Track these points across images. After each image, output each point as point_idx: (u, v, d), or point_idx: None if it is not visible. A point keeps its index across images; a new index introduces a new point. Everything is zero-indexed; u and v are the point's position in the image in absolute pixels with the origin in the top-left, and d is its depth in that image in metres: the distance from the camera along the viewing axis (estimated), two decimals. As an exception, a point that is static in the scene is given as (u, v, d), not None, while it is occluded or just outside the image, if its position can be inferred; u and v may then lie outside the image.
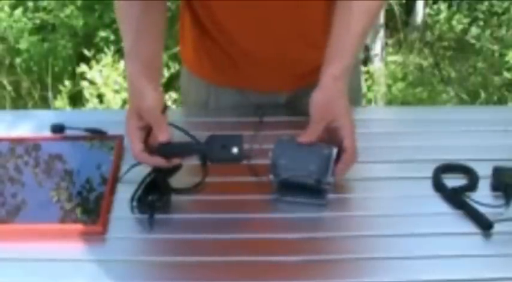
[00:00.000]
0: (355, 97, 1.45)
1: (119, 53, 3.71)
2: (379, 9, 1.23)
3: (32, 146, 1.23)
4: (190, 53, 1.38)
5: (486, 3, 4.21)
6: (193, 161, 1.11)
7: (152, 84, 1.09)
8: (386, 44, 3.96)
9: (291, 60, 1.30)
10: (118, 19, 1.23)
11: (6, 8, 3.87)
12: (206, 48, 1.35)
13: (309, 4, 1.23)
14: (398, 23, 4.03)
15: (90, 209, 1.08)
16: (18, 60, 3.77)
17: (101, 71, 3.46)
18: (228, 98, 1.38)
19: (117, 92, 3.44)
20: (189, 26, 1.34)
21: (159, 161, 1.08)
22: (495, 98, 3.53)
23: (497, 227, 1.05)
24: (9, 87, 3.65)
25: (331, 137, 1.08)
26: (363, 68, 3.55)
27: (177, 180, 1.12)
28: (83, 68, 3.47)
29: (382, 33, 3.81)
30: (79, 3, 3.99)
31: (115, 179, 1.15)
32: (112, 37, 3.88)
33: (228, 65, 1.34)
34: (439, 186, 1.13)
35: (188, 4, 1.31)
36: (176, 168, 1.11)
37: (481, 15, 4.19)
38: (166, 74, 3.39)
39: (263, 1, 1.20)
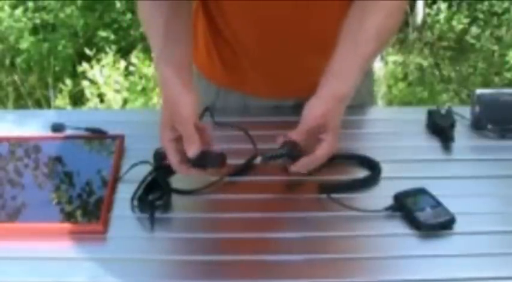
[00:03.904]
0: (368, 100, 1.45)
1: (120, 52, 3.72)
2: (390, 35, 1.21)
3: (32, 147, 1.23)
4: (202, 53, 1.38)
5: (486, 3, 4.21)
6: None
7: (187, 88, 1.07)
8: (386, 43, 3.96)
9: (297, 69, 1.30)
10: (143, 21, 1.21)
11: (7, 8, 3.87)
12: (218, 49, 1.35)
13: (320, 12, 1.23)
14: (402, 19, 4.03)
15: (90, 211, 1.08)
16: (18, 60, 3.78)
17: (101, 70, 3.47)
18: (235, 101, 1.38)
19: (117, 91, 3.45)
20: (203, 26, 1.34)
21: (198, 173, 1.07)
22: (495, 98, 3.52)
23: (497, 227, 1.06)
24: (10, 87, 3.65)
25: (310, 141, 1.07)
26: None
27: (177, 180, 1.12)
28: (84, 66, 3.47)
29: (382, 33, 3.80)
30: (79, 3, 3.99)
31: (116, 179, 1.15)
32: (112, 37, 3.88)
33: (238, 68, 1.34)
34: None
35: (202, 4, 1.31)
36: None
37: (481, 15, 4.19)
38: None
39: (273, 2, 1.20)
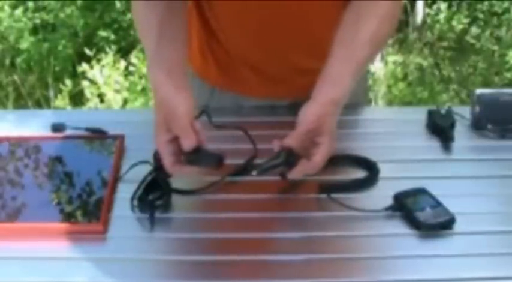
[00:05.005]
0: (362, 99, 1.45)
1: (120, 52, 3.72)
2: (385, 39, 1.22)
3: (32, 147, 1.23)
4: (196, 53, 1.37)
5: (486, 3, 4.22)
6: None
7: (180, 91, 1.06)
8: (386, 44, 3.96)
9: (290, 70, 1.31)
10: (136, 22, 1.20)
11: (7, 8, 3.87)
12: (212, 49, 1.35)
13: (313, 13, 1.23)
14: (398, 23, 4.03)
15: (90, 211, 1.08)
16: (18, 60, 3.78)
17: (101, 70, 3.47)
18: (229, 101, 1.38)
19: (117, 91, 3.45)
20: (197, 26, 1.34)
21: (193, 171, 1.07)
22: (495, 98, 3.52)
23: (497, 227, 1.06)
24: (10, 87, 3.65)
25: (306, 145, 1.07)
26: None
27: (177, 180, 1.12)
28: (83, 67, 3.48)
29: (382, 33, 3.80)
30: (79, 3, 3.99)
31: (116, 179, 1.15)
32: (112, 37, 3.89)
33: (232, 68, 1.34)
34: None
35: (196, 4, 1.31)
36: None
37: (481, 15, 4.19)
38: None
39: (265, 3, 1.20)
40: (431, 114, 1.29)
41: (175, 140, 1.05)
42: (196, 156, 1.05)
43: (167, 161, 1.05)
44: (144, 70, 3.48)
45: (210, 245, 1.03)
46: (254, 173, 1.06)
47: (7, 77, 3.71)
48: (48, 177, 1.16)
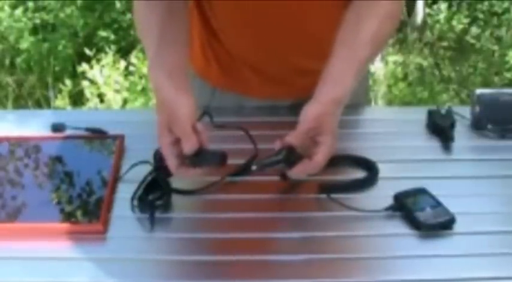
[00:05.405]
0: (363, 100, 1.45)
1: (120, 52, 3.72)
2: (386, 39, 1.22)
3: (32, 147, 1.23)
4: (197, 53, 1.37)
5: (486, 3, 4.22)
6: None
7: (181, 92, 1.05)
8: (386, 43, 3.96)
9: (290, 70, 1.31)
10: (137, 22, 1.20)
11: (7, 8, 3.88)
12: (213, 49, 1.35)
13: (314, 13, 1.23)
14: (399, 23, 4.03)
15: (90, 211, 1.08)
16: (18, 60, 3.78)
17: (101, 70, 3.47)
18: (231, 101, 1.38)
19: (117, 91, 3.45)
20: (198, 26, 1.34)
21: (197, 173, 1.06)
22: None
23: (497, 227, 1.06)
24: (10, 87, 3.66)
25: (307, 144, 1.07)
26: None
27: (177, 180, 1.12)
28: (83, 67, 3.48)
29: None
30: (79, 3, 3.99)
31: (116, 179, 1.15)
32: (112, 37, 3.89)
33: (233, 68, 1.34)
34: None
35: (197, 4, 1.31)
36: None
37: (481, 15, 4.20)
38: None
39: (265, 3, 1.20)
40: (431, 114, 1.29)
41: (178, 141, 1.05)
42: (198, 158, 1.05)
43: (171, 163, 1.05)
44: (144, 70, 3.49)
45: (210, 245, 1.03)
46: (254, 167, 1.06)
47: (8, 76, 3.71)
48: (48, 177, 1.16)
